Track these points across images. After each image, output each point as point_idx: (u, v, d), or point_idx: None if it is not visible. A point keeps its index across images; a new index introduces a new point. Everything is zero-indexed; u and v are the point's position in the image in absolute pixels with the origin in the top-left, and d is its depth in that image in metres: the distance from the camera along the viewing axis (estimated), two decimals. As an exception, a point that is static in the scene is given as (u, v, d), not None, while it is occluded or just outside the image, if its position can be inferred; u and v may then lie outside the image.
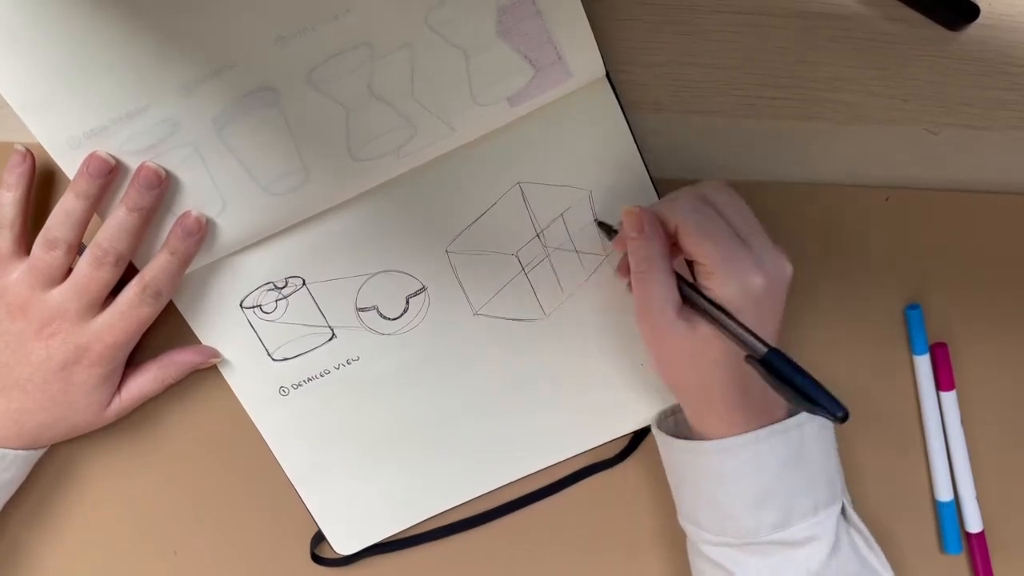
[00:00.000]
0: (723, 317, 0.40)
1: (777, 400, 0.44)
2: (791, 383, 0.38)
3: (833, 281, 0.52)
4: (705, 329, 0.42)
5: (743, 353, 0.40)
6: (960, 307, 0.53)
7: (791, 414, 0.45)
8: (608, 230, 0.48)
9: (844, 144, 0.51)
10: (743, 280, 0.40)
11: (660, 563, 0.54)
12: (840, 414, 0.37)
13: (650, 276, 0.42)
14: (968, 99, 0.51)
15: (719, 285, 0.41)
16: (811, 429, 0.44)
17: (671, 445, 0.47)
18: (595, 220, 0.49)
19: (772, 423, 0.44)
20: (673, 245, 0.43)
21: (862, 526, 0.46)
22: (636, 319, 0.44)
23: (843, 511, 0.46)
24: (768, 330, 0.42)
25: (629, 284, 0.45)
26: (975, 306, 0.53)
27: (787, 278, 0.42)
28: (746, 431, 0.43)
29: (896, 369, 0.53)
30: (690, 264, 0.44)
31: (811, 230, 0.51)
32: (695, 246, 0.41)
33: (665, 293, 0.42)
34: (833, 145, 0.51)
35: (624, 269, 0.46)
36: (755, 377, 0.39)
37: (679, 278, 0.43)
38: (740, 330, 0.40)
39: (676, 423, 0.51)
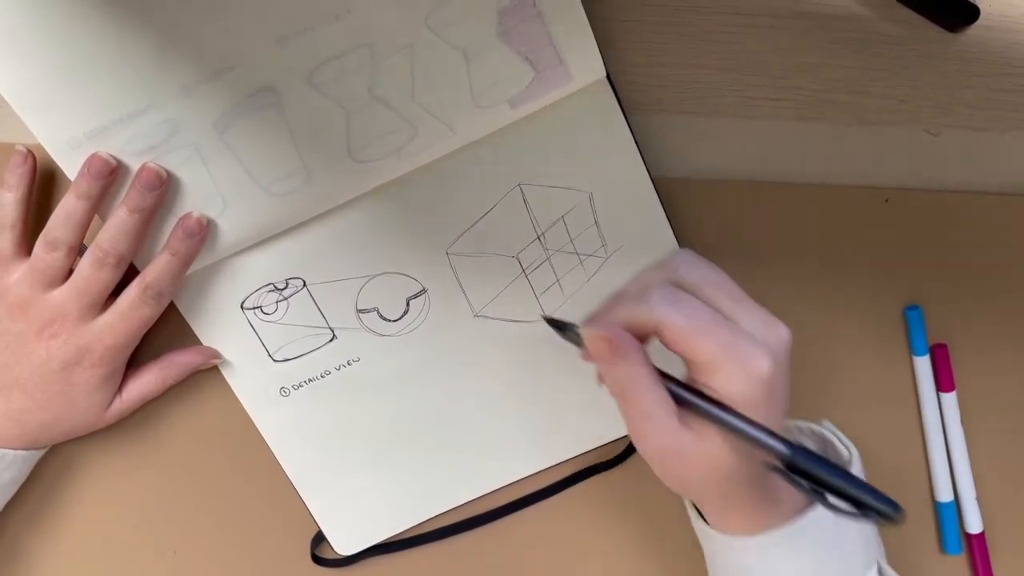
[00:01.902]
0: (734, 421, 0.34)
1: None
2: (825, 483, 0.33)
3: (833, 281, 0.52)
4: (711, 433, 0.36)
5: (761, 457, 0.35)
6: (960, 307, 0.53)
7: None
8: (560, 328, 0.40)
9: (844, 145, 0.51)
10: (750, 370, 0.34)
11: (660, 564, 0.54)
12: (896, 514, 0.32)
13: (637, 395, 0.36)
14: (968, 99, 0.51)
15: (725, 383, 0.35)
16: None
17: (711, 538, 0.42)
18: (542, 317, 0.45)
19: (803, 509, 0.40)
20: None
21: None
22: (632, 439, 0.38)
23: (879, 569, 0.43)
24: (781, 413, 0.37)
25: None
26: (975, 306, 0.53)
27: (788, 344, 0.37)
28: (778, 524, 0.39)
29: (896, 370, 0.53)
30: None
31: (811, 230, 0.51)
32: (686, 345, 0.35)
33: (660, 408, 0.36)
34: (834, 146, 0.51)
35: (602, 378, 0.39)
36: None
37: (666, 377, 0.36)
38: (755, 432, 0.34)
39: None
